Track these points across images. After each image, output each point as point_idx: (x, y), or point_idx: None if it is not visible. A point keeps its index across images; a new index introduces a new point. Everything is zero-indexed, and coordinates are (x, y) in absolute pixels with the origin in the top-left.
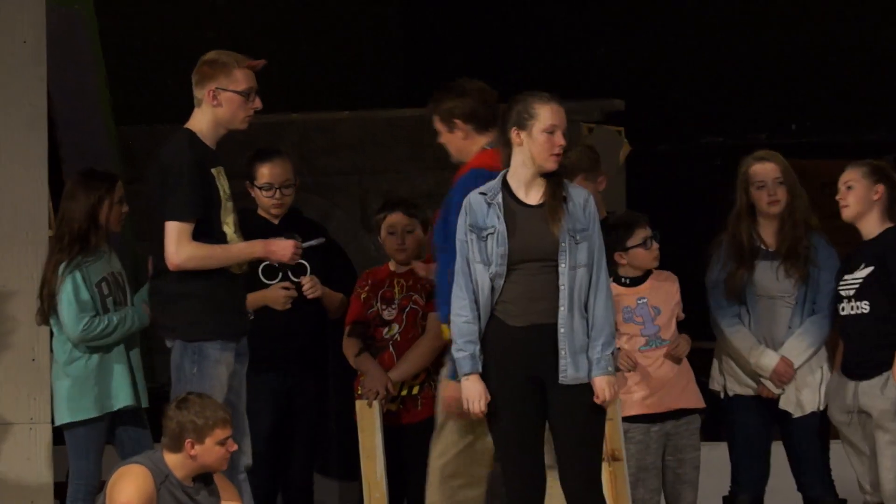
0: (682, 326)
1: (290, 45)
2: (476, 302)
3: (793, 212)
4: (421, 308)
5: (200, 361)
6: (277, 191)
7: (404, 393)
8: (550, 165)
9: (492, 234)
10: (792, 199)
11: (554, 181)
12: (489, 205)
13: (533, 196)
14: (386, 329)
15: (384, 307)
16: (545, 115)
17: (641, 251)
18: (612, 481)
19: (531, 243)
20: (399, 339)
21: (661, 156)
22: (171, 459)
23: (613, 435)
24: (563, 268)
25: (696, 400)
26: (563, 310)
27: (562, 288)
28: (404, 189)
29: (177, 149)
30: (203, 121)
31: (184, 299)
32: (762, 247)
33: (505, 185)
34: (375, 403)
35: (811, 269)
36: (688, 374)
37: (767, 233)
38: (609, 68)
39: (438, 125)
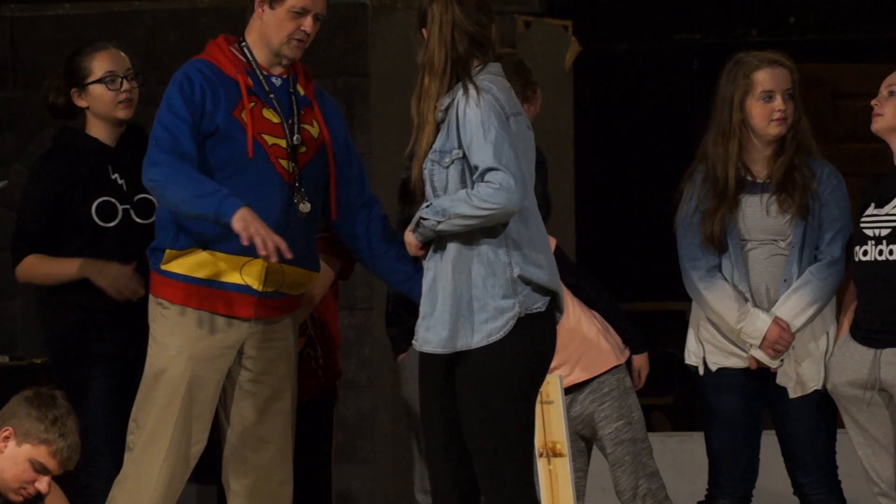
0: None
1: None
2: None
3: (796, 133)
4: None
5: None
6: (123, 80)
7: None
8: None
9: None
10: (798, 117)
11: None
12: None
13: None
14: None
15: None
16: None
17: None
18: (551, 484)
19: None
20: None
21: (620, 58)
22: None
23: (552, 422)
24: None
25: (598, 365)
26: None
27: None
28: None
29: None
30: None
31: None
32: (748, 178)
33: None
34: None
35: (812, 203)
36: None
37: (757, 159)
38: None
39: None
